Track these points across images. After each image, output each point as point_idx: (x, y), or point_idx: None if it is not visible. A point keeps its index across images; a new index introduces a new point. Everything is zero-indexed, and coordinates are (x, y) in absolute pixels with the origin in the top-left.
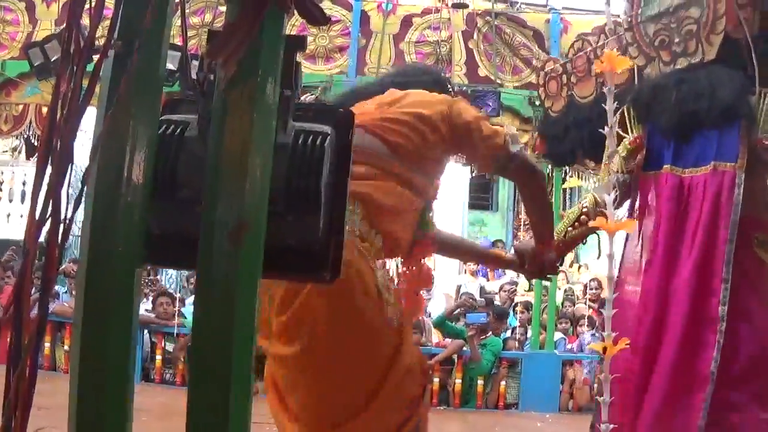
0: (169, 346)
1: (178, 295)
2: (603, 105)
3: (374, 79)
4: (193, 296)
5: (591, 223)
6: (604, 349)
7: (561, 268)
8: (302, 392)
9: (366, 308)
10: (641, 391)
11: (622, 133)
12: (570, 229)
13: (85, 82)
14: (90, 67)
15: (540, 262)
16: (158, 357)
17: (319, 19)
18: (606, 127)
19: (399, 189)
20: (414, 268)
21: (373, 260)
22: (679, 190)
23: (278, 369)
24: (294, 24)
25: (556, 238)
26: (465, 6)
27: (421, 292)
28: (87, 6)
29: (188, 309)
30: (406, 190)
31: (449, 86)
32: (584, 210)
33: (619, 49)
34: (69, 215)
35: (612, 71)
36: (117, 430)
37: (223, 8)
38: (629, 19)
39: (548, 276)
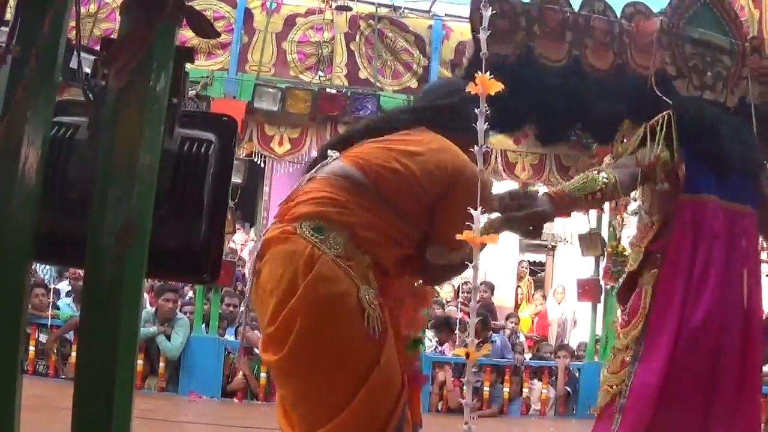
0: (43, 338)
1: (52, 287)
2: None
3: (407, 107)
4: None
5: (458, 236)
6: (467, 355)
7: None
8: (290, 396)
9: (344, 321)
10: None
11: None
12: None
13: None
14: None
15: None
16: (31, 348)
17: (209, 32)
18: (476, 147)
19: (380, 224)
20: (415, 286)
21: (359, 277)
22: (731, 222)
23: (275, 378)
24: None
25: (564, 191)
26: (348, 9)
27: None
28: None
29: (63, 301)
30: (388, 226)
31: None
32: (602, 188)
33: (649, 43)
34: None
35: (484, 94)
36: (5, 423)
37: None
38: (671, 24)
39: (531, 229)
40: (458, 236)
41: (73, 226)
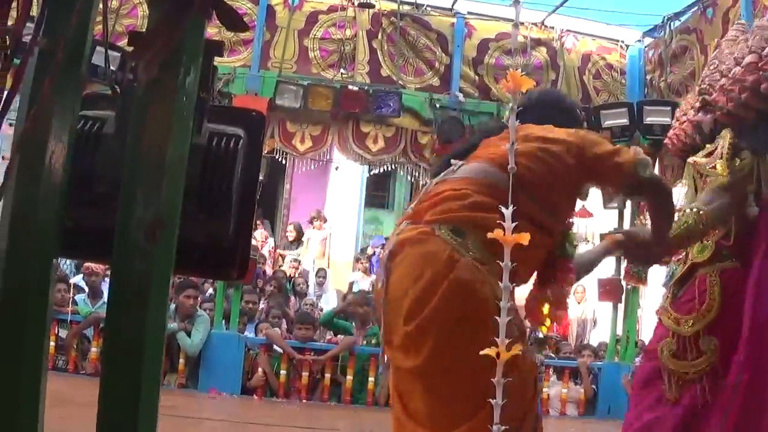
0: (63, 333)
1: (72, 282)
2: None
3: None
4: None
5: (490, 235)
6: (498, 354)
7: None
8: (418, 400)
9: (483, 325)
10: None
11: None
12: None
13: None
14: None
15: (648, 250)
16: (51, 343)
17: (239, 26)
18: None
19: (520, 225)
20: (549, 291)
21: (496, 281)
22: None
23: (400, 379)
24: None
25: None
26: (371, 6)
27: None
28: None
29: (79, 296)
30: (529, 226)
31: (577, 111)
32: (693, 224)
33: None
34: None
35: (515, 91)
36: (31, 418)
37: None
38: None
39: (649, 263)
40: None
41: (100, 220)
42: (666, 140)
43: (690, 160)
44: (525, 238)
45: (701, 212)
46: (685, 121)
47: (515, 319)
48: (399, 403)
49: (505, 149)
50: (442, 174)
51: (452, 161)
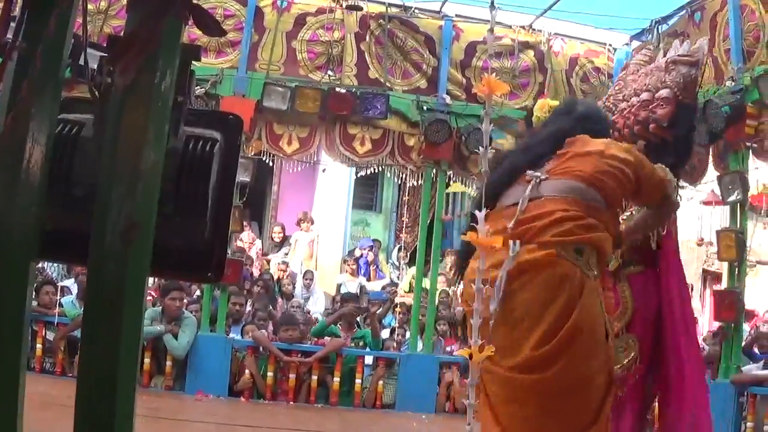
0: (50, 335)
1: (60, 284)
2: None
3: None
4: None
5: (463, 237)
6: (471, 355)
7: None
8: (536, 412)
9: (601, 344)
10: None
11: None
12: None
13: None
14: None
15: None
16: (38, 346)
17: (215, 30)
18: (480, 148)
19: (611, 232)
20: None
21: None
22: None
23: (493, 385)
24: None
25: None
26: (359, 8)
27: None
28: None
29: (66, 299)
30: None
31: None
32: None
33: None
34: None
35: (490, 94)
36: (8, 422)
37: None
38: None
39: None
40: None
41: (78, 223)
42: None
43: None
44: (498, 242)
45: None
46: None
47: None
48: (486, 404)
49: (592, 167)
50: (528, 190)
51: (529, 173)
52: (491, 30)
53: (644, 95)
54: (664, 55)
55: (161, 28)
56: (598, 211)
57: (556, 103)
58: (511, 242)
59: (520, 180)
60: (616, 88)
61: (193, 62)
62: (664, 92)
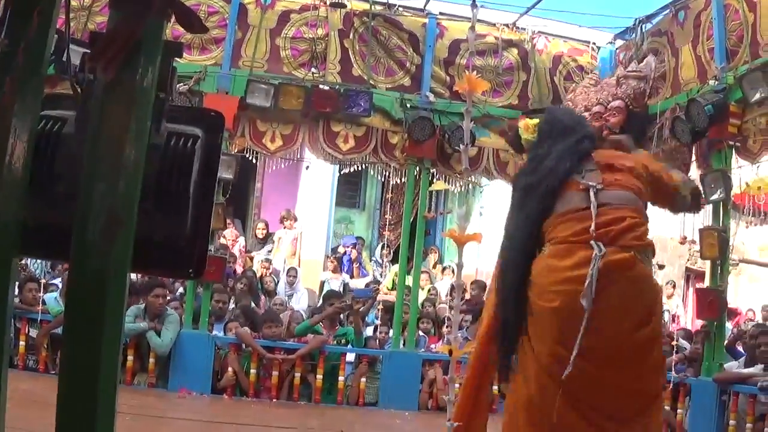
0: (33, 333)
1: (42, 281)
2: None
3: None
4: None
5: (444, 234)
6: (450, 351)
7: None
8: (608, 393)
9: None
10: None
11: None
12: None
13: None
14: None
15: None
16: (21, 343)
17: (197, 27)
18: (461, 144)
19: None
20: None
21: None
22: None
23: (581, 374)
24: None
25: None
26: (343, 5)
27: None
28: None
29: (49, 295)
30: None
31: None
32: None
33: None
34: None
35: (470, 92)
36: None
37: None
38: None
39: None
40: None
41: (60, 219)
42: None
43: None
44: (478, 237)
45: None
46: None
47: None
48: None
49: (637, 180)
50: (593, 198)
51: (588, 183)
52: (472, 28)
53: (596, 108)
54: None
55: (143, 26)
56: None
57: (536, 120)
58: (594, 243)
59: (570, 187)
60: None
61: (175, 59)
62: (615, 103)
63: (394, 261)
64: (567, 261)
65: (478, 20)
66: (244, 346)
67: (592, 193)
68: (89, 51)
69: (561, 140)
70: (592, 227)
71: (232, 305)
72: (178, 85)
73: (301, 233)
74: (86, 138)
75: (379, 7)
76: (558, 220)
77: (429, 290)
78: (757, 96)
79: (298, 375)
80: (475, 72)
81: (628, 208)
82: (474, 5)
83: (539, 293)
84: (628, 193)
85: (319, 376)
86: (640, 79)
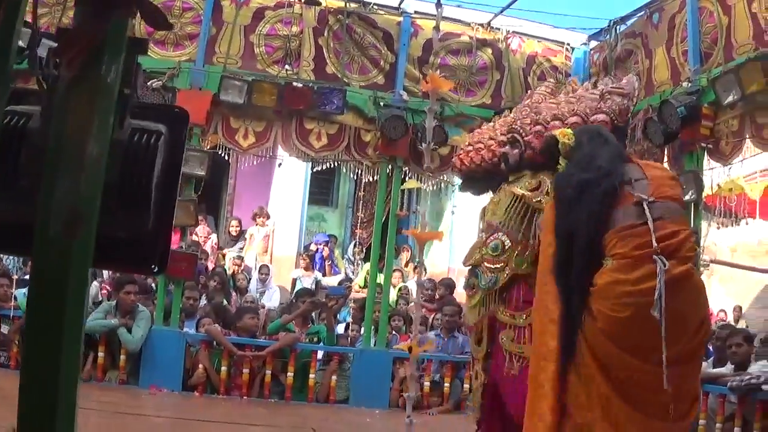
0: (5, 328)
1: (15, 277)
2: None
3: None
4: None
5: (406, 232)
6: (410, 349)
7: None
8: (664, 396)
9: None
10: None
11: None
12: None
13: None
14: None
15: None
16: None
17: (162, 24)
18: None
19: None
20: None
21: None
22: None
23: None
24: None
25: None
26: (318, 3)
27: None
28: None
29: (20, 291)
30: None
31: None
32: None
33: None
34: None
35: (435, 90)
36: None
37: None
38: None
39: None
40: None
41: (24, 215)
42: (456, 159)
43: (516, 190)
44: (439, 236)
45: None
46: (484, 149)
47: None
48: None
49: (678, 191)
50: (648, 212)
51: (641, 196)
52: (437, 28)
53: (573, 119)
54: (594, 86)
55: (108, 22)
56: None
57: (569, 130)
58: (658, 258)
59: (624, 200)
60: (523, 112)
61: (141, 55)
62: (600, 117)
63: (366, 259)
64: (633, 275)
65: (453, 20)
66: (215, 343)
67: (646, 207)
68: (55, 47)
69: (602, 147)
70: (654, 243)
71: (203, 302)
72: (151, 81)
73: (274, 230)
74: (50, 133)
75: (353, 5)
76: (617, 236)
77: (401, 288)
78: (730, 98)
79: (269, 372)
80: (438, 71)
81: (679, 221)
82: (438, 4)
83: (606, 303)
84: (676, 204)
85: (290, 374)
86: (624, 96)
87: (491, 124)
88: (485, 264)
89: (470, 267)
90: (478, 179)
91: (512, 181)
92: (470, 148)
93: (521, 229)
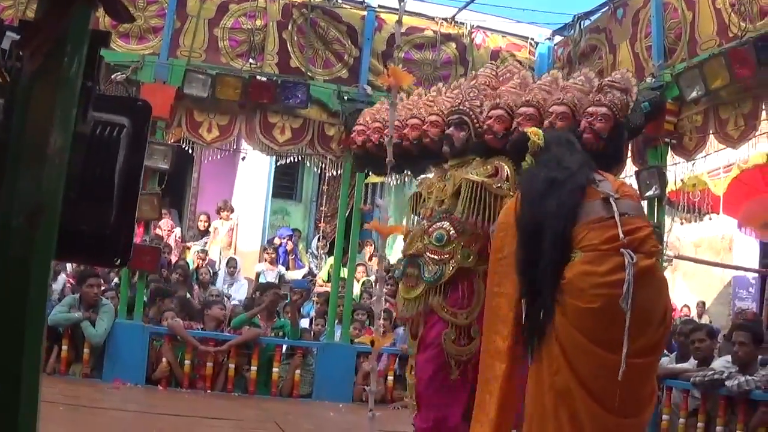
0: None
1: None
2: None
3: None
4: None
5: (368, 225)
6: (372, 342)
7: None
8: (625, 391)
9: None
10: None
11: None
12: None
13: None
14: None
15: None
16: None
17: (124, 17)
18: (385, 137)
19: None
20: None
21: None
22: None
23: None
24: None
25: None
26: None
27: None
28: None
29: None
30: None
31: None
32: None
33: None
34: None
35: (395, 86)
36: None
37: None
38: None
39: None
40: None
41: None
42: (364, 128)
43: (470, 176)
44: (400, 230)
45: None
46: (420, 126)
47: None
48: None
49: (636, 193)
50: (615, 207)
51: (607, 192)
52: (399, 21)
53: (560, 108)
54: (566, 78)
55: (70, 14)
56: None
57: (540, 131)
58: (626, 251)
59: (591, 195)
60: (472, 94)
61: (104, 48)
62: (602, 110)
63: (330, 253)
64: (602, 267)
65: (417, 14)
66: (178, 336)
67: (613, 203)
68: (17, 39)
69: (570, 153)
70: (621, 236)
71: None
72: (115, 74)
73: (237, 224)
74: (12, 125)
75: None
76: (587, 228)
77: (364, 282)
78: (694, 94)
79: (232, 366)
80: (402, 66)
81: (642, 218)
82: None
83: (577, 295)
84: (636, 203)
85: (254, 368)
86: (623, 91)
87: (414, 98)
88: (428, 254)
89: (410, 255)
90: (414, 158)
91: (456, 165)
92: (397, 123)
93: (472, 217)
